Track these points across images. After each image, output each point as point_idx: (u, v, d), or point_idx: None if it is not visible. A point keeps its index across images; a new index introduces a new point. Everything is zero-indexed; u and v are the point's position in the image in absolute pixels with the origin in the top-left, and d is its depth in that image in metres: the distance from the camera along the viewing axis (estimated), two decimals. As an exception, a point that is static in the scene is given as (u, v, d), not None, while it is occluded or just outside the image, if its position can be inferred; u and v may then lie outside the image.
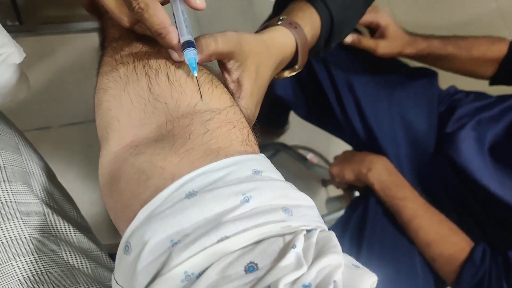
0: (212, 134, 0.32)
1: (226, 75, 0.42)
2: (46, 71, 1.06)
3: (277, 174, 0.32)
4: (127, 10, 0.36)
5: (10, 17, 1.03)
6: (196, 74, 0.35)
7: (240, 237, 0.26)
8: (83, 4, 0.51)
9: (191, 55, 0.35)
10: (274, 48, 0.47)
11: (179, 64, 0.37)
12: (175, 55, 0.37)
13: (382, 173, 0.78)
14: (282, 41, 0.48)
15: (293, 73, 0.53)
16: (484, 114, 0.81)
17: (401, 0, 1.62)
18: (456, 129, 0.80)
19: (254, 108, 0.45)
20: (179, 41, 0.36)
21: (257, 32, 0.50)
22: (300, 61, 0.51)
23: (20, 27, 0.91)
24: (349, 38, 0.81)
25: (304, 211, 0.29)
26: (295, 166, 1.30)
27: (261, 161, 0.32)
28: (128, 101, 0.35)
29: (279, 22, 0.50)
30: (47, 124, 1.04)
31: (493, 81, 0.85)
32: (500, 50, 0.83)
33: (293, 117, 1.20)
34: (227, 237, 0.26)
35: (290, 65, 0.52)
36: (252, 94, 0.43)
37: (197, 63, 0.36)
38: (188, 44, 0.36)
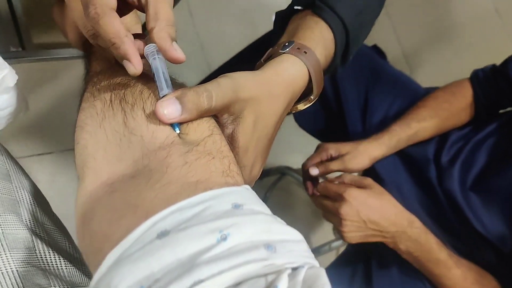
0: (190, 167, 0.30)
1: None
2: (49, 96, 1.06)
3: (261, 206, 0.29)
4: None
5: (13, 42, 1.04)
6: (178, 132, 0.33)
7: (216, 280, 0.23)
8: (71, 40, 0.51)
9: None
10: (281, 86, 0.41)
11: (155, 96, 0.35)
12: (131, 67, 0.34)
13: (411, 247, 0.68)
14: (290, 74, 0.42)
15: (309, 105, 0.47)
16: (476, 137, 0.76)
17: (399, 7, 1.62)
18: (450, 160, 0.76)
19: (251, 165, 0.41)
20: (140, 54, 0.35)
21: (260, 64, 0.46)
22: (315, 90, 0.45)
23: (23, 53, 0.91)
24: (315, 171, 0.76)
25: (290, 246, 0.26)
26: (301, 191, 1.27)
27: (243, 193, 0.29)
28: (104, 137, 0.33)
29: (285, 50, 0.43)
30: (49, 150, 1.03)
31: (479, 119, 0.80)
32: (465, 95, 0.78)
33: (299, 137, 1.17)
34: (201, 281, 0.23)
35: (304, 95, 0.46)
36: (247, 150, 0.39)
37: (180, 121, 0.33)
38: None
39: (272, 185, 1.24)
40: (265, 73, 0.41)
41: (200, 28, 1.38)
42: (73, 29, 0.50)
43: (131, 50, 0.34)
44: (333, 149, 0.76)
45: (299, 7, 0.50)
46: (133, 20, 0.52)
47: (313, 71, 0.43)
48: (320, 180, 0.77)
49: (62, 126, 1.05)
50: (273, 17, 0.58)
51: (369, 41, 0.86)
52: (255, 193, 0.31)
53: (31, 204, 0.44)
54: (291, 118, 0.88)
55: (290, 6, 0.51)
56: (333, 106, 0.83)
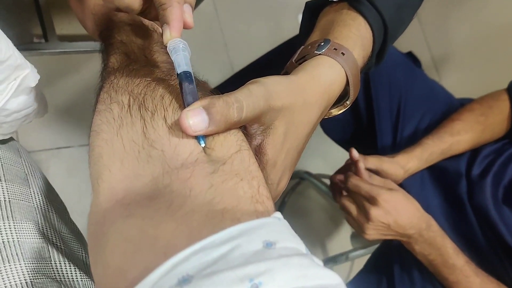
0: (216, 191, 0.27)
1: (247, 140, 0.34)
2: (70, 89, 1.05)
3: (295, 241, 0.26)
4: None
5: (36, 34, 1.03)
6: (203, 145, 0.30)
7: None
8: (88, 29, 0.49)
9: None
10: (317, 93, 0.37)
11: (177, 102, 0.32)
12: (167, 33, 0.32)
13: (426, 249, 0.68)
14: (327, 79, 0.38)
15: (344, 110, 0.44)
16: (509, 151, 0.73)
17: (431, 12, 1.57)
18: (481, 173, 0.73)
19: (279, 179, 0.37)
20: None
21: (291, 64, 0.42)
22: (352, 94, 0.41)
23: (46, 45, 0.90)
24: (356, 154, 0.71)
25: None
26: (320, 197, 1.24)
27: (275, 227, 0.26)
28: (121, 147, 0.30)
29: (321, 51, 0.39)
30: (68, 144, 1.02)
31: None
32: (502, 109, 0.74)
33: (320, 142, 1.14)
34: None
35: (338, 99, 0.42)
36: (275, 164, 0.36)
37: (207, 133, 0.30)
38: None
39: (291, 190, 1.21)
40: (299, 79, 0.37)
41: (224, 25, 1.35)
42: (91, 17, 0.48)
43: (177, 15, 0.32)
44: (362, 161, 0.73)
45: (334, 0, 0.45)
46: None
47: (350, 74, 0.39)
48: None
49: (82, 120, 1.04)
50: (299, 17, 0.55)
51: (398, 46, 0.82)
52: (287, 223, 0.28)
53: (49, 210, 0.43)
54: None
55: None
56: (363, 116, 0.80)
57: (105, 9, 0.45)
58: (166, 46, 0.36)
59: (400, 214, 0.65)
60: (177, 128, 0.30)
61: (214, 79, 1.17)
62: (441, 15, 1.58)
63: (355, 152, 0.71)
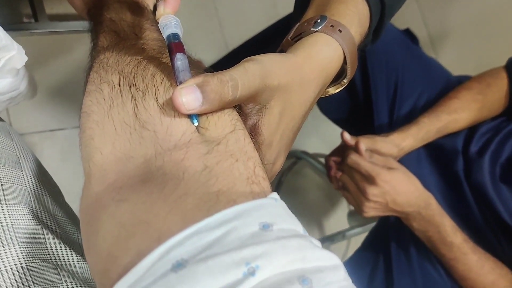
0: (210, 172, 0.26)
1: (242, 119, 0.33)
2: (62, 70, 1.03)
3: (292, 222, 0.26)
4: None
5: (26, 14, 1.00)
6: (196, 124, 0.29)
7: None
8: (76, 7, 0.48)
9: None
10: (314, 71, 0.36)
11: (169, 81, 0.31)
12: (160, 9, 0.32)
13: (423, 226, 0.68)
14: (324, 56, 0.37)
15: (341, 88, 0.43)
16: (507, 128, 0.73)
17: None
18: (479, 151, 0.73)
19: (274, 159, 0.37)
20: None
21: (287, 42, 0.41)
22: (349, 73, 0.41)
23: (36, 25, 0.87)
24: (348, 137, 0.70)
25: (327, 277, 0.23)
26: (317, 176, 1.24)
27: (271, 208, 0.25)
28: (112, 128, 0.29)
29: (318, 28, 0.38)
30: (61, 126, 1.00)
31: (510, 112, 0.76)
32: (500, 86, 0.74)
33: (316, 121, 1.13)
34: None
35: (335, 77, 0.41)
36: (270, 144, 0.35)
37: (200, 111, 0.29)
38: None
39: (287, 169, 1.21)
40: (296, 57, 0.36)
41: (219, 3, 1.32)
42: None
43: None
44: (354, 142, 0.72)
45: None
46: None
47: (348, 51, 0.38)
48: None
49: (75, 102, 1.02)
50: None
51: (394, 23, 0.80)
52: (284, 204, 0.27)
53: (42, 194, 0.42)
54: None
55: None
56: (360, 94, 0.79)
57: None
58: (158, 23, 0.34)
59: (398, 193, 0.65)
60: (169, 108, 0.29)
61: (209, 58, 1.15)
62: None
63: (347, 135, 0.71)
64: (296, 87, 0.35)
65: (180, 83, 0.29)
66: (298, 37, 0.39)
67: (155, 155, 0.27)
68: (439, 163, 0.77)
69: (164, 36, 0.31)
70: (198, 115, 0.29)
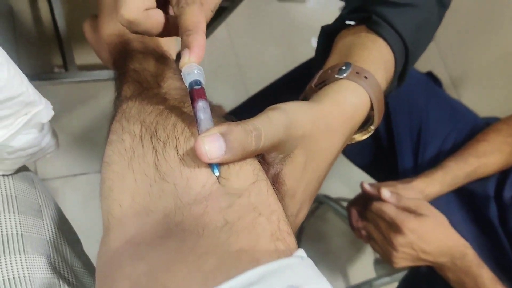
0: (232, 229, 0.25)
1: (264, 168, 0.32)
2: (87, 116, 1.06)
3: (321, 283, 0.24)
4: (155, 19, 0.33)
5: (57, 63, 1.05)
6: (218, 174, 0.28)
7: None
8: (102, 58, 0.49)
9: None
10: (340, 120, 0.36)
11: (190, 130, 0.31)
12: (186, 55, 0.30)
13: (460, 277, 0.63)
14: (351, 104, 0.36)
15: (368, 135, 0.42)
16: None
17: (447, 32, 1.55)
18: None
19: (297, 210, 0.36)
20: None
21: (311, 89, 0.40)
22: (376, 119, 0.40)
23: (66, 74, 0.92)
24: (367, 187, 0.68)
25: None
26: (340, 221, 1.20)
27: (299, 268, 0.24)
28: (132, 180, 0.29)
29: (343, 75, 0.37)
30: (84, 170, 1.02)
31: None
32: None
33: (339, 164, 1.11)
34: None
35: (361, 124, 0.40)
36: (294, 194, 0.34)
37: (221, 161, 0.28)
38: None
39: (309, 214, 1.18)
40: (323, 105, 0.35)
41: (238, 49, 1.36)
42: (105, 47, 0.48)
43: (200, 42, 0.30)
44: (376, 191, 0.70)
45: (351, 22, 0.44)
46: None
47: (375, 98, 0.38)
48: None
49: (98, 147, 1.04)
50: (313, 40, 0.54)
51: (416, 66, 0.80)
52: (311, 262, 0.25)
53: (61, 243, 0.42)
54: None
55: (339, 21, 0.46)
56: (383, 138, 0.78)
57: (118, 38, 0.45)
58: (181, 71, 0.35)
59: (427, 242, 0.61)
60: (189, 159, 0.29)
61: (229, 102, 1.16)
62: (457, 33, 1.56)
63: (366, 186, 0.68)
64: (321, 136, 0.34)
65: (202, 131, 0.29)
66: (322, 84, 0.39)
67: (174, 209, 0.26)
68: (470, 209, 0.74)
69: (186, 83, 0.31)
70: (219, 165, 0.28)
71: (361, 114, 0.38)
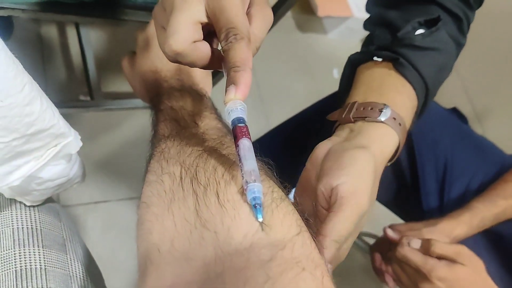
0: (274, 285, 0.24)
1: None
2: (110, 144, 1.07)
3: None
4: (202, 52, 0.33)
5: (83, 92, 1.08)
6: (261, 220, 0.27)
7: None
8: (139, 95, 0.50)
9: (254, 193, 0.27)
10: (383, 165, 0.41)
11: (230, 174, 0.30)
12: (231, 92, 0.30)
13: None
14: (389, 151, 0.42)
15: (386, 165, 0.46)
16: None
17: (470, 66, 1.53)
18: None
19: (342, 255, 0.39)
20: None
21: (347, 119, 0.44)
22: (397, 155, 0.44)
23: (91, 102, 0.94)
24: (392, 233, 0.66)
25: None
26: (361, 257, 1.17)
27: None
28: (172, 224, 0.29)
29: (384, 119, 0.42)
30: (106, 198, 1.02)
31: None
32: None
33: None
34: None
35: None
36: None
37: None
38: (252, 181, 0.28)
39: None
40: (374, 150, 0.40)
41: (260, 80, 1.37)
42: (142, 83, 0.49)
43: (247, 79, 0.30)
44: (404, 230, 0.67)
45: (378, 59, 0.48)
46: (203, 72, 0.49)
47: (401, 140, 0.43)
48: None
49: (120, 175, 1.05)
50: (335, 71, 0.56)
51: (438, 101, 0.79)
52: None
53: (83, 279, 0.41)
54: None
55: (367, 54, 0.49)
56: (406, 175, 0.76)
57: (155, 75, 0.46)
58: (216, 110, 0.37)
59: None
60: (230, 206, 0.28)
61: (251, 132, 1.17)
62: (481, 66, 1.55)
63: (389, 232, 0.66)
64: (371, 184, 0.39)
65: (247, 171, 0.28)
66: (360, 118, 0.43)
67: (214, 259, 0.26)
68: (499, 251, 0.71)
69: (229, 119, 0.31)
70: (262, 210, 0.28)
71: (391, 153, 0.43)
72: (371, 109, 0.43)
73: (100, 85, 0.98)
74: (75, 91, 1.08)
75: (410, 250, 0.60)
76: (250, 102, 1.33)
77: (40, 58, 1.06)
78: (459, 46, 0.52)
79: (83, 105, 0.96)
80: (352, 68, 0.51)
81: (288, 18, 1.53)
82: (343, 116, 0.45)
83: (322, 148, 0.43)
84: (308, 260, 0.26)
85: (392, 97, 0.44)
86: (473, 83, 1.55)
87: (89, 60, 0.97)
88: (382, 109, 0.42)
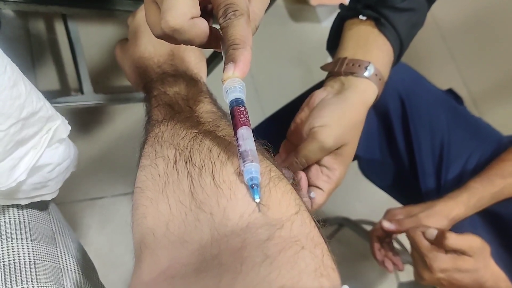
0: (272, 264, 0.23)
1: (319, 172, 0.48)
2: (104, 139, 1.06)
3: None
4: (201, 29, 0.31)
5: (74, 87, 1.06)
6: (258, 200, 0.26)
7: None
8: (132, 81, 0.49)
9: (252, 173, 0.26)
10: (364, 110, 0.50)
11: (226, 154, 0.29)
12: (229, 71, 0.28)
13: None
14: (371, 98, 0.51)
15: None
16: None
17: (464, 49, 1.53)
18: None
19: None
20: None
21: (338, 72, 0.52)
22: (374, 102, 0.53)
23: (83, 97, 0.92)
24: (388, 225, 0.66)
25: None
26: (360, 244, 1.16)
27: None
28: (167, 207, 0.28)
29: (368, 75, 0.50)
30: (101, 194, 1.01)
31: None
32: None
33: (359, 185, 1.08)
34: None
35: None
36: (340, 177, 0.49)
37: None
38: (249, 161, 0.26)
39: (329, 237, 1.15)
40: (363, 105, 0.51)
41: (254, 70, 1.36)
42: (135, 69, 0.48)
43: (246, 57, 0.28)
44: (402, 214, 0.67)
45: (363, 18, 0.55)
46: (197, 58, 0.48)
47: (380, 92, 0.52)
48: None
49: (115, 170, 1.04)
50: (329, 60, 0.58)
51: (435, 83, 0.78)
52: None
53: (75, 271, 0.40)
54: (353, 165, 0.81)
55: (354, 11, 0.56)
56: (404, 158, 0.75)
57: (148, 61, 0.45)
58: (211, 95, 0.37)
59: (460, 279, 0.58)
60: (226, 186, 0.27)
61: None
62: (475, 48, 1.54)
63: (386, 224, 0.65)
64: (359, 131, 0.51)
65: (244, 151, 0.27)
66: (349, 73, 0.51)
67: (210, 241, 0.25)
68: (497, 230, 0.70)
69: (227, 99, 0.29)
70: (260, 190, 0.27)
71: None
72: (359, 66, 0.51)
73: (91, 80, 0.97)
74: (66, 87, 1.06)
75: (419, 235, 0.60)
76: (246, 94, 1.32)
77: (29, 55, 1.05)
78: (430, 2, 0.58)
79: (74, 100, 0.94)
80: (341, 21, 0.58)
81: (281, 8, 1.51)
82: (335, 69, 0.52)
83: (318, 95, 0.52)
84: (308, 239, 0.25)
85: (376, 54, 0.51)
86: (468, 65, 1.54)
87: (78, 54, 0.96)
88: (367, 66, 0.50)
